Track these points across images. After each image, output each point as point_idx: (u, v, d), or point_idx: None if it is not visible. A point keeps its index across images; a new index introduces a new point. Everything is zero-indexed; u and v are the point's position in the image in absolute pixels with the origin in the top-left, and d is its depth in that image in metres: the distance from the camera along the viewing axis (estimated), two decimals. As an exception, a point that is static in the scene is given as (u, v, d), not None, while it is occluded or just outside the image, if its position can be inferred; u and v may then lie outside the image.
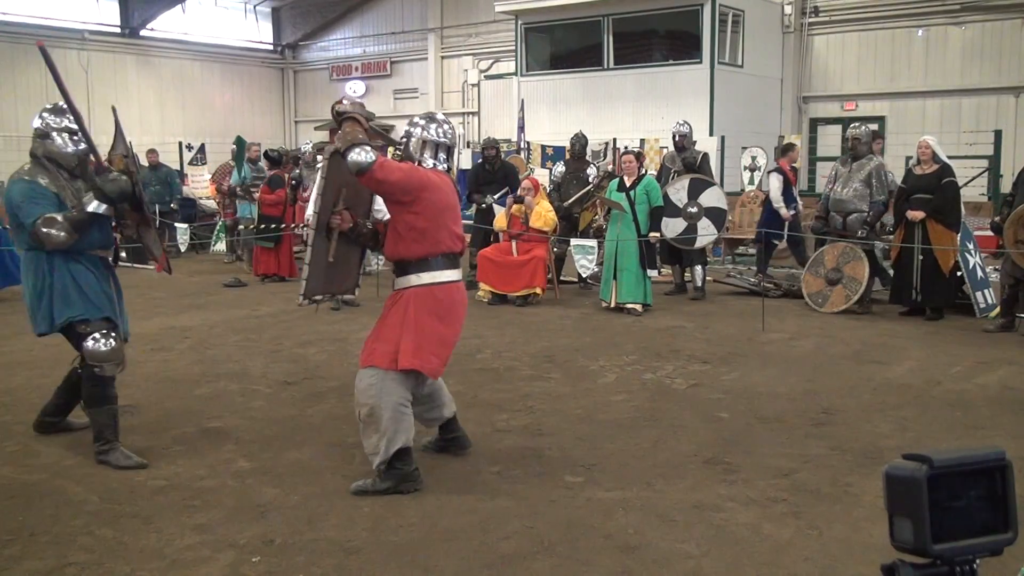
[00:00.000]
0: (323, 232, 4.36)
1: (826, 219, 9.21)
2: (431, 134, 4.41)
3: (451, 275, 4.33)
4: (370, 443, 4.19)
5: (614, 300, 9.04)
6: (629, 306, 8.94)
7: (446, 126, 4.49)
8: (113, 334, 4.65)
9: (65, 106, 4.62)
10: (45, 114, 4.69)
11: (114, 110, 5.09)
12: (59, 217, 4.45)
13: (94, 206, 4.51)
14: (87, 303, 4.59)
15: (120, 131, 4.95)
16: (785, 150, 11.37)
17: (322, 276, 4.39)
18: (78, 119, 4.64)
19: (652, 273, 9.17)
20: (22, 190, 4.51)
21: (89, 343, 4.58)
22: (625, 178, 9.22)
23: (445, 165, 4.47)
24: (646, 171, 9.95)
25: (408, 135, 4.44)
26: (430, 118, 4.51)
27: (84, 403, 4.73)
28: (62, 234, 4.45)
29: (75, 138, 4.66)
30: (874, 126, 17.20)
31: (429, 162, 4.39)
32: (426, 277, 4.25)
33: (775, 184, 10.61)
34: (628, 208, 9.00)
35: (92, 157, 4.70)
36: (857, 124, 9.45)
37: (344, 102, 4.32)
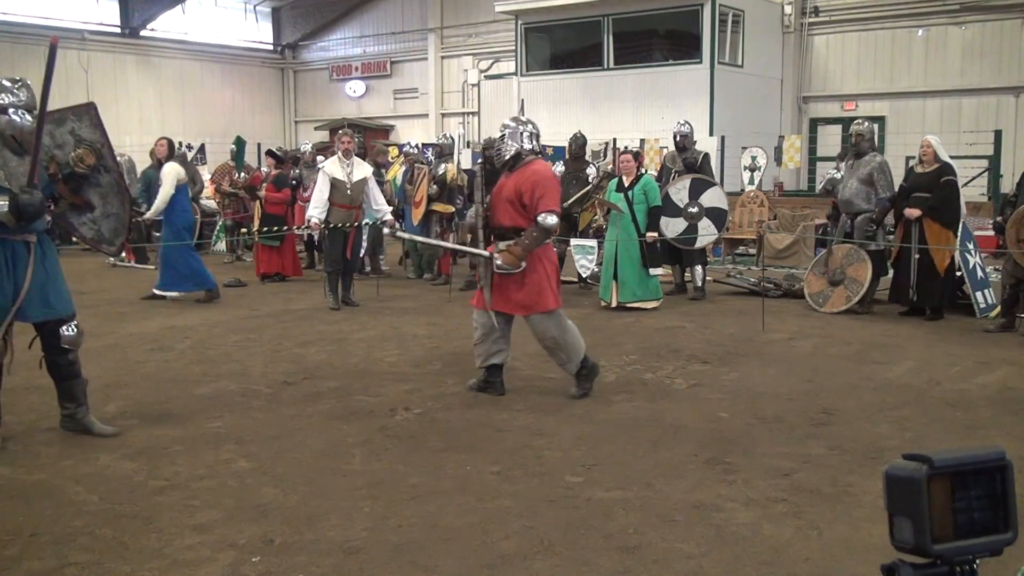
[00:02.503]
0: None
1: (839, 210, 9.19)
2: (530, 129, 5.79)
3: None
4: (560, 359, 5.78)
5: (615, 300, 9.05)
6: (640, 305, 8.97)
7: (531, 125, 5.86)
8: None
9: (18, 83, 4.71)
10: (6, 89, 4.69)
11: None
12: None
13: (3, 213, 4.53)
14: None
15: (100, 125, 5.06)
16: None
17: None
18: (41, 120, 4.64)
19: (656, 271, 9.20)
20: None
21: None
22: (624, 178, 9.23)
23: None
24: (645, 171, 9.95)
25: (514, 134, 5.74)
26: (518, 120, 5.89)
27: None
28: None
29: (31, 114, 4.69)
30: (875, 125, 17.23)
31: (535, 148, 5.82)
32: None
33: None
34: (627, 209, 9.01)
35: (34, 164, 4.69)
36: (861, 120, 9.45)
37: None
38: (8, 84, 4.75)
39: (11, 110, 4.67)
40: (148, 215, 10.02)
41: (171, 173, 9.73)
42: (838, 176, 9.39)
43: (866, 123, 9.24)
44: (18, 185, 4.61)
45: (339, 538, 3.63)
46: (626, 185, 9.14)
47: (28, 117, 4.70)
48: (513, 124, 5.84)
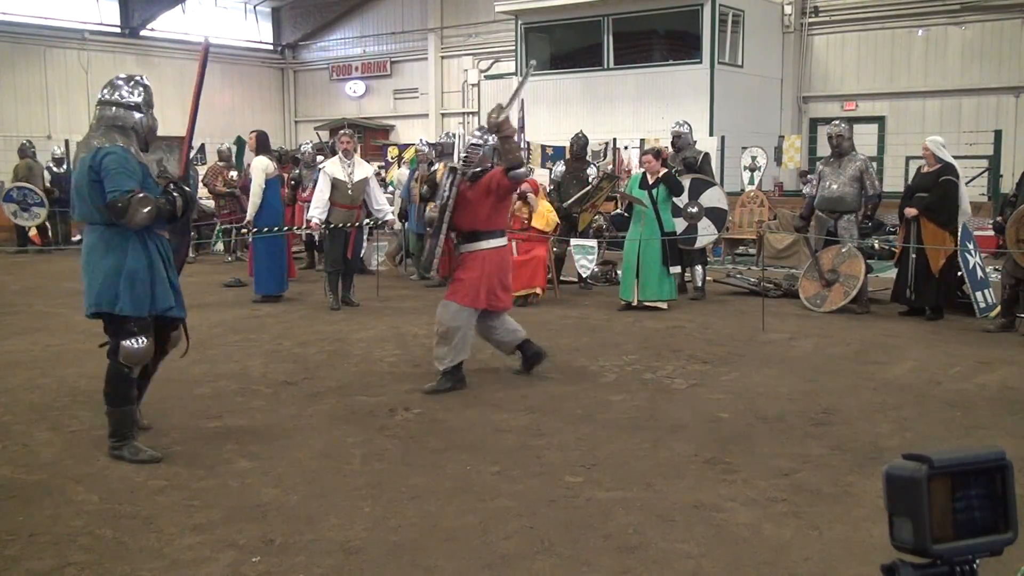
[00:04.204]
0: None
1: (809, 220, 9.24)
2: (492, 142, 6.06)
3: (505, 240, 6.15)
4: (440, 352, 5.90)
5: (636, 298, 9.03)
6: (655, 304, 8.97)
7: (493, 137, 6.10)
8: (146, 336, 4.54)
9: (136, 81, 4.72)
10: (136, 87, 4.69)
11: (203, 148, 5.33)
12: (153, 199, 4.40)
13: (179, 203, 4.55)
14: (164, 297, 4.55)
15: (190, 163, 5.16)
16: None
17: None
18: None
19: (675, 269, 9.20)
20: (119, 159, 4.39)
21: (128, 343, 4.47)
22: (647, 176, 9.21)
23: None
24: (668, 169, 9.93)
25: (479, 146, 6.04)
26: (485, 131, 6.12)
27: (105, 397, 4.62)
28: (147, 216, 4.36)
29: (151, 111, 4.74)
30: (874, 125, 17.25)
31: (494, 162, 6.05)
32: (494, 242, 5.98)
33: None
34: (650, 205, 8.99)
35: (185, 161, 4.90)
36: (837, 122, 9.43)
37: (496, 117, 5.82)
38: (123, 82, 4.70)
39: (142, 107, 4.67)
40: (248, 216, 9.78)
41: (259, 167, 9.65)
42: (811, 188, 9.45)
43: (842, 124, 9.28)
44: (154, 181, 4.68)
45: (339, 538, 3.63)
46: (650, 184, 9.12)
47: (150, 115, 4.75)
48: (480, 136, 6.12)
